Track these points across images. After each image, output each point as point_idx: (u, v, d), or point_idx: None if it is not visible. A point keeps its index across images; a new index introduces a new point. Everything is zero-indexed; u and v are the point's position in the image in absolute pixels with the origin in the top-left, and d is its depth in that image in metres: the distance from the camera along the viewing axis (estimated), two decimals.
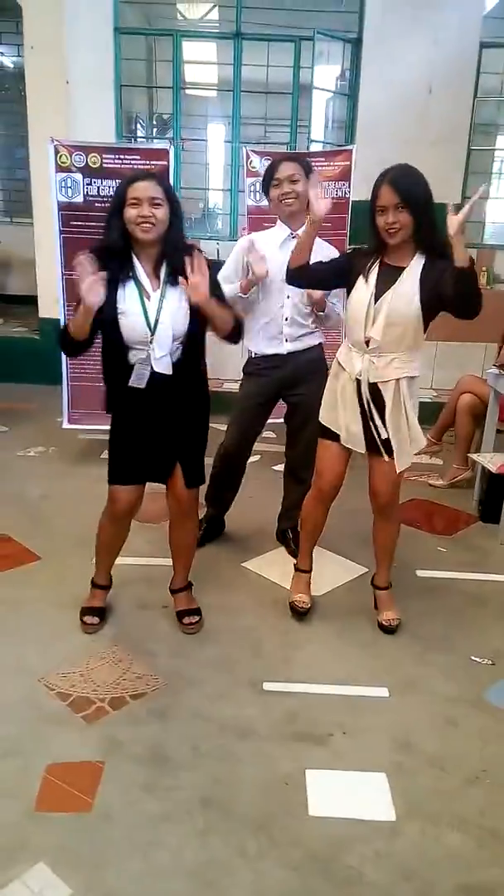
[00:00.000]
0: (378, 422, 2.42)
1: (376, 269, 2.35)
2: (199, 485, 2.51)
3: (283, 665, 2.43)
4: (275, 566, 3.07)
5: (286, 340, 2.92)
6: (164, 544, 2.64)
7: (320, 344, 3.01)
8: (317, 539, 2.78)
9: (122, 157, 3.94)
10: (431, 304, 2.30)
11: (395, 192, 2.20)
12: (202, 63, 7.73)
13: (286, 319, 2.89)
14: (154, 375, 2.27)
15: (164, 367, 2.27)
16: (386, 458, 2.45)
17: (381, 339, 2.32)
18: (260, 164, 4.39)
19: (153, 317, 2.23)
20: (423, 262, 2.31)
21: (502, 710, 2.24)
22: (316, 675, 2.37)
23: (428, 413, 4.74)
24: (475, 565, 3.21)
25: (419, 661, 2.47)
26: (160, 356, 2.26)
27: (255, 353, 3.01)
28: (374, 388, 2.39)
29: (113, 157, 3.95)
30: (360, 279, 2.37)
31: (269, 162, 2.93)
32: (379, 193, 2.24)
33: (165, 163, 3.91)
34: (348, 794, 1.89)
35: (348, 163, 4.27)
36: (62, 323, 4.18)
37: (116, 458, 2.43)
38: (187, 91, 7.58)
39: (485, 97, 6.23)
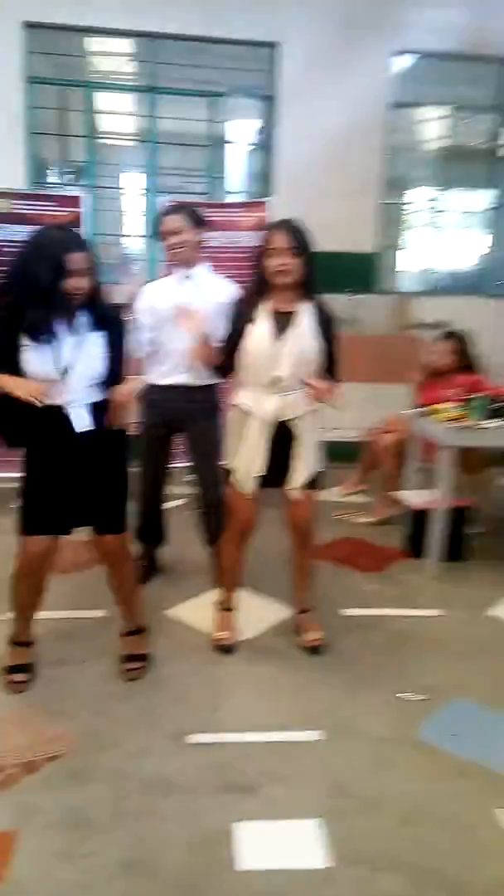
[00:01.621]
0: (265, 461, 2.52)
1: (265, 314, 2.46)
2: (122, 530, 2.44)
3: (209, 715, 2.33)
4: (198, 612, 2.97)
5: (185, 371, 2.93)
6: (82, 595, 2.54)
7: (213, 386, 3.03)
8: (237, 578, 2.75)
9: (34, 203, 3.90)
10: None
11: (288, 236, 2.37)
12: (116, 114, 7.84)
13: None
14: (72, 424, 2.27)
15: (79, 416, 2.28)
16: (296, 490, 2.56)
17: (288, 377, 2.42)
18: None
19: (65, 360, 2.22)
20: (311, 307, 2.48)
21: (435, 747, 2.21)
22: (244, 723, 2.28)
23: (353, 453, 4.85)
24: (401, 600, 3.21)
25: (350, 702, 2.43)
26: (71, 400, 2.25)
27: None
28: (282, 426, 2.49)
29: (23, 202, 3.90)
30: (251, 325, 2.46)
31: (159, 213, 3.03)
32: (272, 238, 2.40)
33: (80, 209, 3.89)
34: (281, 845, 1.81)
35: (264, 213, 4.38)
36: None
37: (27, 507, 2.33)
38: (102, 140, 7.66)
39: (396, 154, 6.56)
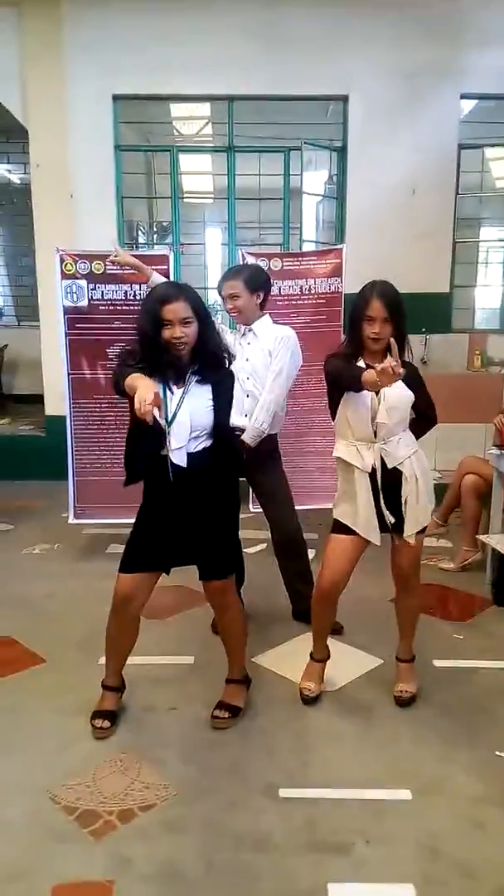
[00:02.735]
0: (385, 508, 2.52)
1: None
2: (225, 576, 2.47)
3: (299, 769, 2.32)
4: (287, 661, 2.98)
5: (246, 415, 3.07)
6: (172, 641, 2.59)
7: (274, 435, 3.19)
8: (327, 631, 2.74)
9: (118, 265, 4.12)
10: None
11: (384, 306, 2.43)
12: (198, 174, 8.22)
13: (247, 396, 3.10)
14: (174, 466, 2.33)
15: (179, 458, 2.34)
16: (405, 538, 2.55)
17: (389, 422, 2.48)
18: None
19: (172, 411, 2.31)
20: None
21: None
22: (334, 779, 2.26)
23: (435, 495, 4.77)
24: (493, 652, 3.11)
25: (442, 759, 2.36)
26: (175, 448, 2.32)
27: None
28: (390, 474, 2.51)
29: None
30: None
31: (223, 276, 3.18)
32: (369, 305, 2.44)
33: (166, 267, 4.08)
34: None
35: (339, 260, 4.45)
36: (68, 421, 4.28)
37: (130, 545, 2.45)
38: (185, 199, 8.03)
39: (466, 194, 6.57)
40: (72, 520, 4.40)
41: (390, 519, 2.53)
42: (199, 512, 2.38)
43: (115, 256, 3.32)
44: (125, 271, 3.99)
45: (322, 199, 6.55)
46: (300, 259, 4.54)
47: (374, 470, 2.50)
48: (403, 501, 2.52)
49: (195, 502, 2.37)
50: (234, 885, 1.83)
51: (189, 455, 2.35)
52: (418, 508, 2.54)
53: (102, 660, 2.77)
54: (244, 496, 3.21)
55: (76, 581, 3.82)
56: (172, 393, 2.34)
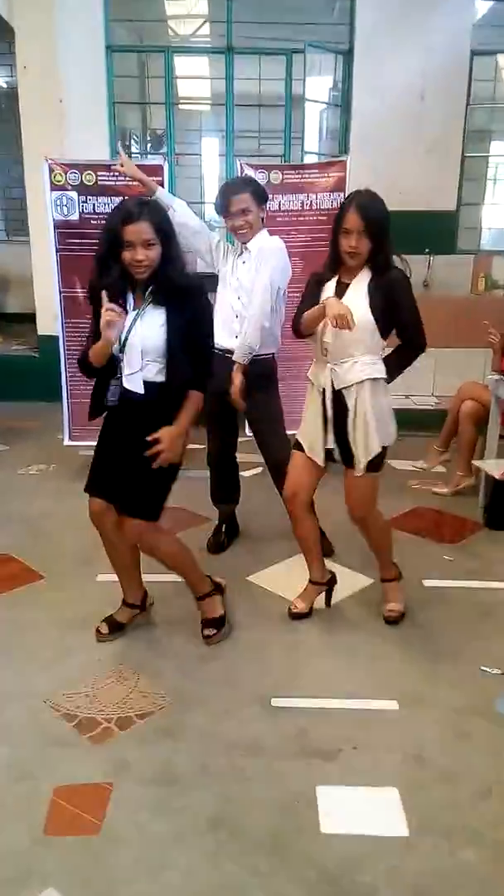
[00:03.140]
0: (326, 432, 2.51)
1: (332, 286, 2.45)
2: (141, 517, 2.36)
3: (290, 680, 2.41)
4: (280, 579, 3.05)
5: (235, 337, 3.00)
6: None
7: (269, 358, 3.09)
8: (312, 548, 2.77)
9: (116, 174, 3.95)
10: (384, 319, 2.41)
11: (360, 217, 2.30)
12: (195, 78, 7.78)
13: (237, 317, 3.02)
14: (126, 393, 2.28)
15: (133, 384, 2.28)
16: (353, 469, 2.51)
17: (331, 342, 2.41)
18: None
19: (123, 334, 2.23)
20: (369, 276, 2.41)
21: None
22: (324, 690, 2.35)
23: (432, 420, 4.76)
24: (482, 573, 3.18)
25: (428, 673, 2.45)
26: (128, 373, 2.27)
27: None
28: (339, 398, 2.46)
29: (107, 174, 3.96)
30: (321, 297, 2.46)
31: (221, 187, 3.03)
32: (345, 216, 2.33)
33: (160, 178, 3.91)
34: (360, 811, 1.87)
35: (342, 173, 4.26)
36: (61, 341, 4.21)
37: (91, 467, 2.45)
38: (181, 106, 7.63)
39: (477, 104, 6.26)
40: (67, 441, 4.40)
41: (329, 445, 2.51)
42: (137, 444, 2.28)
43: (121, 165, 3.13)
44: (121, 183, 3.83)
45: (326, 108, 6.23)
46: (301, 172, 4.36)
47: (325, 391, 2.47)
48: (348, 431, 2.46)
49: (138, 433, 2.27)
50: (227, 787, 1.92)
51: (146, 383, 2.27)
52: (360, 441, 2.45)
53: (100, 577, 2.83)
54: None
55: (72, 501, 3.80)
56: (129, 314, 2.25)
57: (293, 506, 2.67)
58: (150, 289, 2.26)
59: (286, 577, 3.03)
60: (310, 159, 5.69)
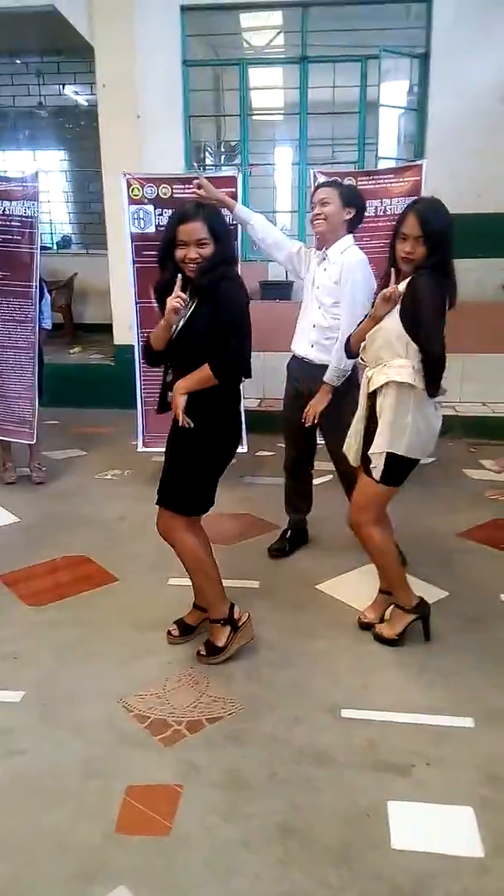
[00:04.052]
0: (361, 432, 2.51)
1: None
2: (172, 508, 2.40)
3: (360, 691, 2.37)
4: (349, 588, 3.02)
5: (311, 346, 3.03)
6: (237, 566, 2.63)
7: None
8: (381, 557, 2.69)
9: (191, 187, 4.02)
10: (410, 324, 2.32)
11: (419, 224, 2.27)
12: (268, 88, 7.85)
13: (314, 326, 3.02)
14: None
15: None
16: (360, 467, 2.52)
17: (367, 348, 2.42)
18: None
19: (177, 327, 2.30)
20: (407, 283, 2.34)
21: None
22: (395, 703, 2.30)
23: (486, 428, 4.63)
24: None
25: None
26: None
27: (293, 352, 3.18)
28: (373, 402, 2.45)
29: (182, 187, 4.03)
30: None
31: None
32: (404, 220, 2.31)
33: (234, 189, 3.96)
34: (433, 828, 1.82)
35: (418, 177, 4.20)
36: (136, 351, 4.31)
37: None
38: (254, 117, 7.71)
39: None
40: (140, 448, 4.50)
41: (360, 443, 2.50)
42: (176, 437, 2.35)
43: (198, 187, 3.21)
44: (196, 195, 3.89)
45: (402, 113, 6.17)
46: (376, 177, 4.32)
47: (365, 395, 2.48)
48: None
49: (176, 425, 2.32)
50: (296, 796, 1.91)
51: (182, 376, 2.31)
52: (376, 437, 2.42)
53: (173, 580, 2.87)
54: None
55: (146, 506, 3.87)
56: (177, 315, 2.27)
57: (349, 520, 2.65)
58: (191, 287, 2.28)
59: (355, 587, 2.99)
60: (385, 165, 5.64)
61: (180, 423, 2.27)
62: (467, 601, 2.93)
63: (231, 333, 2.26)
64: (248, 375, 2.33)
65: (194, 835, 1.78)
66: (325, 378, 2.94)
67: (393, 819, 1.83)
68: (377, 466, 2.42)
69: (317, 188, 3.02)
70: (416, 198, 2.38)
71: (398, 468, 2.43)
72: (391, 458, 2.40)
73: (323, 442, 3.20)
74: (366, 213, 4.14)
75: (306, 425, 3.03)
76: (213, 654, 2.50)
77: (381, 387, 2.39)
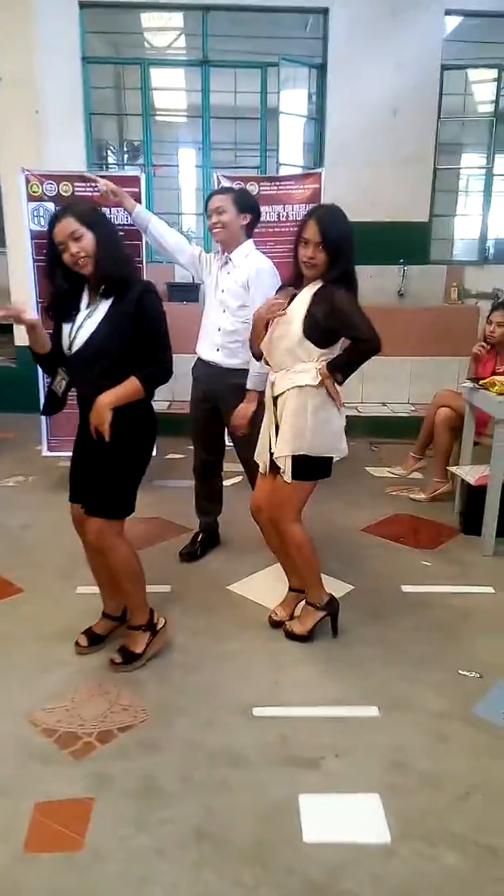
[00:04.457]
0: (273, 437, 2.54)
1: (286, 297, 2.48)
2: (101, 515, 2.35)
3: (271, 689, 2.41)
4: (259, 588, 3.06)
5: (217, 350, 3.05)
6: (148, 571, 2.60)
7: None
8: (286, 558, 2.78)
9: (93, 185, 3.95)
10: (325, 326, 2.38)
11: (318, 230, 2.32)
12: (170, 90, 7.82)
13: (219, 329, 3.04)
14: (79, 392, 2.36)
15: (83, 389, 2.34)
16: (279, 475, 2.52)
17: (270, 355, 2.49)
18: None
19: (74, 332, 2.28)
20: (315, 288, 2.41)
21: (491, 724, 2.24)
22: (306, 698, 2.35)
23: (408, 427, 4.82)
24: (459, 578, 3.22)
25: (408, 679, 2.46)
26: (79, 373, 2.34)
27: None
28: (277, 405, 2.52)
29: (84, 185, 3.96)
30: None
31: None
32: (305, 226, 2.36)
33: (137, 189, 3.92)
34: (342, 818, 1.87)
35: (317, 185, 4.32)
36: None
37: (69, 475, 2.50)
38: (157, 117, 7.66)
39: (448, 118, 6.37)
40: (45, 452, 4.38)
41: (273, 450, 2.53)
42: (94, 444, 2.28)
43: (103, 189, 3.16)
44: (97, 194, 3.83)
45: (305, 121, 6.30)
46: (278, 184, 4.41)
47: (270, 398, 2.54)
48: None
49: (93, 435, 2.27)
50: (210, 799, 1.92)
51: (97, 380, 2.26)
52: (276, 442, 2.49)
53: (81, 589, 2.82)
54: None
55: (52, 512, 3.81)
56: (76, 314, 2.28)
57: (260, 520, 2.70)
58: (101, 287, 2.27)
59: (264, 586, 3.04)
60: (286, 171, 5.75)
61: (107, 438, 2.22)
62: (372, 594, 3.03)
63: (157, 348, 2.28)
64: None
65: (107, 847, 1.76)
66: (249, 385, 2.95)
67: (304, 813, 1.87)
68: (285, 470, 2.47)
69: (210, 196, 3.02)
70: (316, 204, 2.42)
71: (308, 467, 2.48)
72: (299, 459, 2.45)
73: (231, 444, 3.23)
74: (269, 219, 4.28)
75: (237, 435, 3.05)
76: (130, 661, 2.47)
77: (284, 392, 2.44)
